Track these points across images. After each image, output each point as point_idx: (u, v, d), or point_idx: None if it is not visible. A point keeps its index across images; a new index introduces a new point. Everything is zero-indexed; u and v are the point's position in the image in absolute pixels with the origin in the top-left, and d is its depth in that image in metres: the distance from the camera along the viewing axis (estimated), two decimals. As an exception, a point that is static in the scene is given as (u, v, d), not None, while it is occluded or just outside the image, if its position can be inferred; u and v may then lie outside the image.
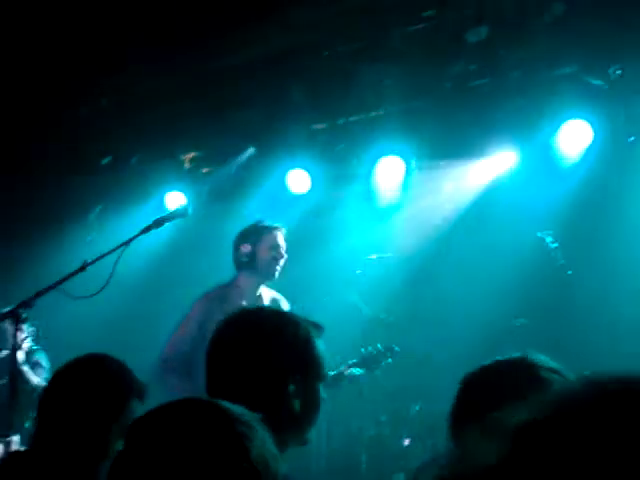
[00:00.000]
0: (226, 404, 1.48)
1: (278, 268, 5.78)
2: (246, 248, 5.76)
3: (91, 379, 2.78)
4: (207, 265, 7.84)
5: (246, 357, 2.28)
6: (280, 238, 5.82)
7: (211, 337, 2.40)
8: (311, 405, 2.33)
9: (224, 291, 5.88)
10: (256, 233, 5.81)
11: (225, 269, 6.56)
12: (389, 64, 6.67)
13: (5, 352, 6.87)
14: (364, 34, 6.73)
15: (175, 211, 4.86)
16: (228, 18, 6.54)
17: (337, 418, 6.90)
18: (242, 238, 5.84)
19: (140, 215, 8.17)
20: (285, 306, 5.90)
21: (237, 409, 1.47)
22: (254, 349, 2.29)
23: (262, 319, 2.41)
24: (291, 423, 2.27)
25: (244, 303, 5.68)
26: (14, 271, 7.90)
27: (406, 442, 6.87)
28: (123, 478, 1.40)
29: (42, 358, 7.17)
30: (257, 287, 5.87)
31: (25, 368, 6.70)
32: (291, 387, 2.28)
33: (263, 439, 1.44)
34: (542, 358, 2.17)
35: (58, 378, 2.82)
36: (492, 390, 2.09)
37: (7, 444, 4.06)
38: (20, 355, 4.60)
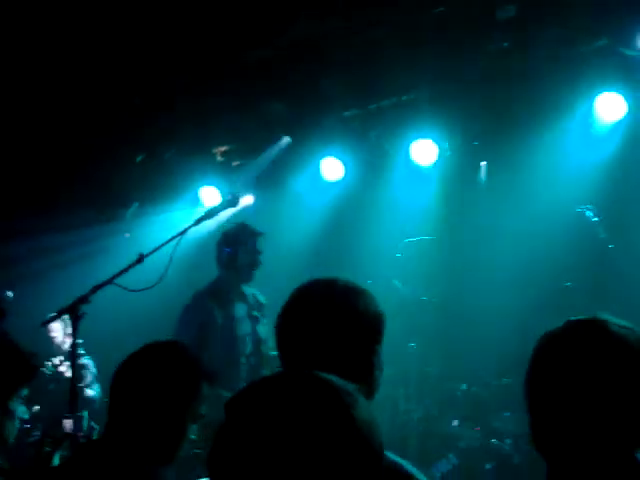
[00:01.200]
0: (326, 375, 1.47)
1: (254, 272, 6.14)
2: (228, 251, 6.04)
3: (165, 364, 2.78)
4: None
5: (336, 329, 2.26)
6: (259, 244, 6.11)
7: (282, 310, 2.37)
8: (381, 376, 2.36)
9: (212, 289, 6.22)
10: (239, 236, 6.08)
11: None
12: (420, 47, 6.64)
13: (57, 359, 6.89)
14: (394, 18, 6.71)
15: (225, 202, 4.90)
16: (256, 10, 6.55)
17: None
18: (225, 240, 6.10)
19: (175, 210, 8.26)
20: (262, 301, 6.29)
21: (339, 380, 1.46)
22: (342, 321, 2.27)
23: (339, 292, 2.36)
24: (373, 393, 2.29)
25: (234, 300, 6.15)
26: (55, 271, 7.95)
27: (455, 423, 6.89)
28: (229, 453, 1.38)
29: (87, 359, 7.13)
30: (239, 285, 6.22)
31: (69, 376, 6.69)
32: (375, 357, 2.31)
33: (366, 408, 1.44)
34: (611, 317, 2.16)
35: (130, 364, 2.80)
36: (568, 352, 2.06)
37: (79, 419, 4.10)
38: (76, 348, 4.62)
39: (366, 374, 2.26)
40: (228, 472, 1.37)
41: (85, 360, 7.00)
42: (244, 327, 6.16)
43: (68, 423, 4.33)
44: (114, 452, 2.63)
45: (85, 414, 6.28)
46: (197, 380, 2.85)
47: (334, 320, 2.27)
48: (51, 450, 4.53)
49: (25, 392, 3.31)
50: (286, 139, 7.66)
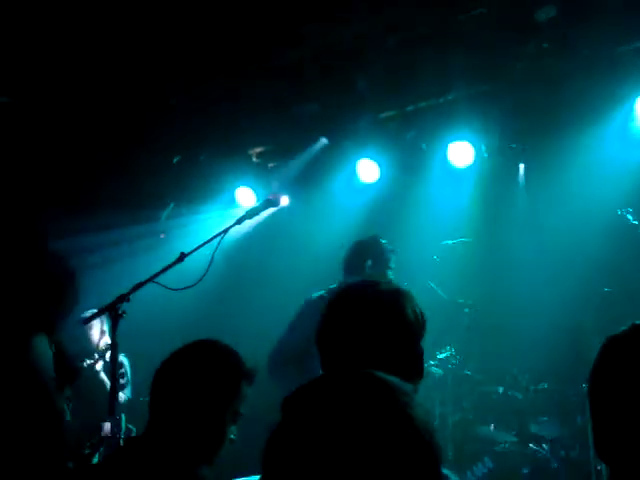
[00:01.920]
0: (384, 375, 1.46)
1: None
2: (371, 262, 5.87)
3: (207, 362, 2.79)
4: (282, 258, 7.92)
5: (384, 330, 2.25)
6: (393, 261, 5.97)
7: (326, 312, 2.37)
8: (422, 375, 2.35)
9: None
10: (381, 250, 5.93)
11: (298, 263, 6.62)
12: (456, 48, 6.60)
13: (89, 361, 6.90)
14: (430, 19, 6.68)
15: (266, 201, 4.89)
16: (290, 12, 6.55)
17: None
18: (367, 251, 5.94)
19: (211, 211, 8.30)
20: None
21: (394, 379, 1.45)
22: (390, 322, 2.27)
23: (384, 293, 2.37)
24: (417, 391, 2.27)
25: None
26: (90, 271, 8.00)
27: (492, 427, 6.84)
28: (285, 453, 1.37)
29: (123, 357, 7.13)
30: None
31: (103, 376, 6.69)
32: (420, 359, 2.30)
33: (424, 409, 1.43)
34: None
35: (172, 363, 2.81)
36: (635, 356, 2.02)
37: (117, 421, 4.12)
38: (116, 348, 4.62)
39: (413, 376, 2.24)
40: (283, 472, 1.35)
41: (122, 358, 7.01)
42: None
43: (107, 426, 4.35)
44: (154, 451, 2.64)
45: (123, 416, 6.33)
46: (237, 379, 2.85)
47: (381, 321, 2.26)
48: (90, 452, 4.56)
49: (68, 392, 3.32)
50: (323, 140, 7.65)
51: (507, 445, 6.57)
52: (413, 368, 2.27)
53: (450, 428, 6.86)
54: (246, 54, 6.93)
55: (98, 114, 7.31)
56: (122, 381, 6.92)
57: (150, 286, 4.27)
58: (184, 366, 2.80)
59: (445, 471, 2.15)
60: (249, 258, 8.39)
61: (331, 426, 1.34)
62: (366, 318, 2.27)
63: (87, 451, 5.17)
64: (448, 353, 6.97)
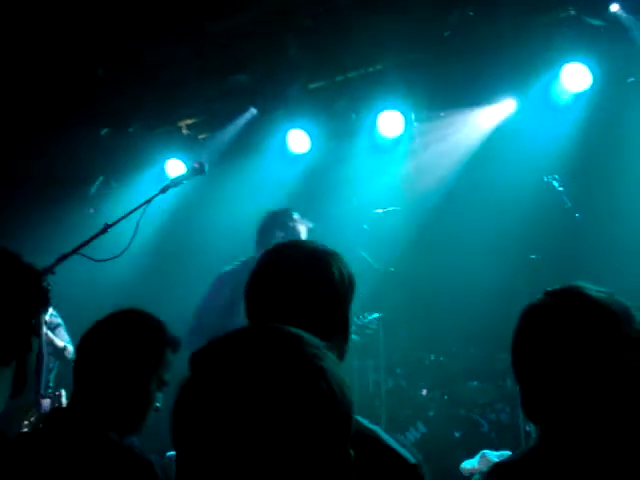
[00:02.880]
0: (293, 329, 1.43)
1: None
2: (281, 234, 5.87)
3: (130, 330, 2.78)
4: (211, 229, 7.89)
5: (307, 288, 2.23)
6: (305, 233, 6.02)
7: (252, 273, 2.34)
8: (349, 340, 2.34)
9: (245, 270, 6.01)
10: (291, 223, 5.96)
11: (227, 233, 6.58)
12: (386, 17, 6.61)
13: None
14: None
15: (192, 170, 4.85)
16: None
17: (353, 373, 6.94)
18: (277, 223, 5.95)
19: (141, 185, 8.19)
20: None
21: (302, 332, 1.42)
22: (313, 280, 2.25)
23: (309, 253, 2.33)
24: (342, 357, 2.25)
25: None
26: (16, 245, 7.83)
27: (424, 392, 6.95)
28: (193, 409, 1.34)
29: (59, 318, 7.04)
30: None
31: (49, 333, 6.63)
32: (345, 319, 2.30)
33: (335, 363, 1.40)
34: (587, 284, 2.19)
35: (95, 331, 2.78)
36: (552, 320, 2.09)
37: (57, 397, 4.08)
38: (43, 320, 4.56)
39: (335, 335, 2.24)
40: (191, 427, 1.33)
41: (55, 317, 6.93)
42: None
43: (45, 402, 4.31)
44: (79, 420, 2.61)
45: (63, 391, 6.26)
46: (161, 346, 2.84)
47: (305, 279, 2.25)
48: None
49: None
50: (252, 111, 7.60)
51: (439, 410, 6.68)
52: (337, 328, 2.24)
53: (383, 394, 6.94)
54: (177, 22, 6.84)
55: (23, 85, 7.13)
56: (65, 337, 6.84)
57: (89, 262, 4.23)
58: (107, 334, 2.77)
59: (383, 435, 2.16)
60: (180, 230, 8.33)
61: (237, 380, 1.31)
62: (290, 273, 2.27)
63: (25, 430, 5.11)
64: (380, 321, 7.03)
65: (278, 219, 5.96)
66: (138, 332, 2.79)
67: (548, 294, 2.16)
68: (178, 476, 1.38)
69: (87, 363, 2.75)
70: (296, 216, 6.02)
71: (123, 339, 2.76)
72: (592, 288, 2.13)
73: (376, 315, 7.01)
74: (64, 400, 4.83)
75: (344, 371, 1.42)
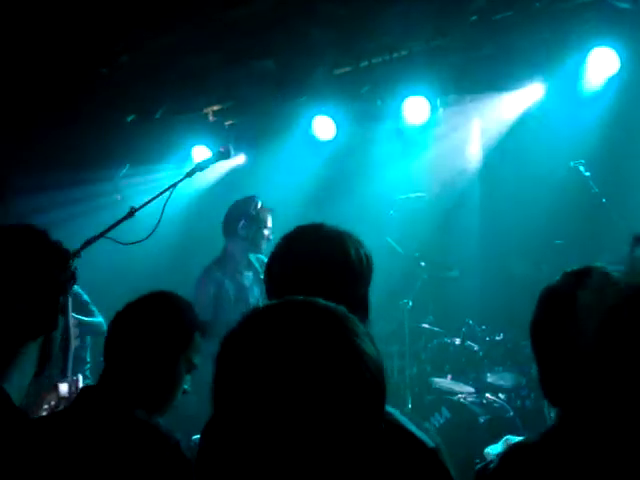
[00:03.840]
0: (328, 303, 1.44)
1: (264, 246, 6.28)
2: (244, 223, 6.17)
3: (160, 312, 2.83)
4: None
5: (327, 270, 2.27)
6: (270, 219, 6.28)
7: (270, 258, 2.39)
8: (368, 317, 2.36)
9: (221, 261, 6.36)
10: (254, 210, 6.22)
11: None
12: (411, 1, 6.58)
13: None
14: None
15: (217, 154, 4.86)
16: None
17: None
18: (240, 212, 6.22)
19: (167, 171, 8.23)
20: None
21: (341, 308, 1.44)
22: (332, 262, 2.28)
23: (327, 235, 2.37)
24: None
25: (242, 270, 6.36)
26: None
27: (448, 378, 6.95)
28: (227, 388, 1.35)
29: (85, 296, 7.04)
30: (246, 253, 6.38)
31: (77, 316, 6.65)
32: (364, 299, 2.33)
33: (370, 337, 1.42)
34: (605, 265, 2.20)
35: (126, 313, 2.83)
36: (570, 300, 2.10)
37: (74, 382, 4.12)
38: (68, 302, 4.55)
39: (354, 314, 2.25)
40: (229, 403, 1.35)
41: (81, 296, 6.94)
42: (255, 293, 6.27)
43: (63, 387, 4.33)
44: (107, 398, 2.65)
45: (80, 376, 6.29)
46: (190, 329, 2.89)
47: (323, 260, 2.28)
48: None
49: None
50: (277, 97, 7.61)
51: (464, 395, 6.68)
52: (356, 307, 2.26)
53: (408, 380, 6.95)
54: (196, 7, 6.83)
55: (50, 73, 7.17)
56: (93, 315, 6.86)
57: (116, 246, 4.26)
58: (137, 316, 2.83)
59: (390, 409, 2.17)
60: (206, 215, 8.35)
61: (274, 356, 1.32)
62: (308, 255, 2.31)
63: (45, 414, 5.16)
64: (405, 307, 7.02)
65: (241, 208, 6.12)
66: (168, 314, 2.85)
67: (567, 274, 2.18)
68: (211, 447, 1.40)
69: (117, 343, 2.80)
70: (260, 204, 6.21)
71: (153, 320, 2.81)
72: (612, 268, 2.14)
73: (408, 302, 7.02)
74: (80, 385, 4.85)
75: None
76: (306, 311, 1.40)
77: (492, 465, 2.13)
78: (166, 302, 2.89)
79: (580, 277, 2.14)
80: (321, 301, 1.44)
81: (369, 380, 1.35)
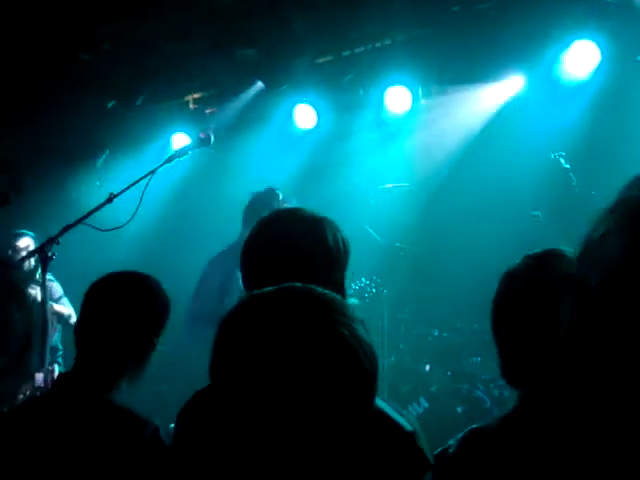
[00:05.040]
0: (321, 289, 1.46)
1: None
2: (264, 213, 5.95)
3: (130, 295, 2.77)
4: (216, 203, 7.89)
5: (304, 253, 2.27)
6: None
7: (247, 241, 2.39)
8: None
9: (235, 251, 6.11)
10: (277, 203, 6.01)
11: (230, 204, 6.61)
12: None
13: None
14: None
15: (198, 140, 4.84)
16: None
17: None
18: (263, 204, 5.98)
19: (147, 158, 8.19)
20: None
21: (332, 294, 1.47)
22: (310, 246, 2.28)
23: (304, 219, 2.38)
24: None
25: None
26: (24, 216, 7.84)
27: (427, 368, 6.97)
28: (220, 371, 1.38)
29: (60, 289, 7.04)
30: None
31: (53, 304, 6.65)
32: (343, 283, 2.32)
33: (364, 324, 1.45)
34: (567, 248, 2.19)
35: (95, 293, 2.78)
36: (531, 281, 2.10)
37: (49, 372, 4.12)
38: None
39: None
40: (227, 382, 1.37)
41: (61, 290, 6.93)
42: None
43: (39, 377, 4.33)
44: (83, 386, 2.64)
45: (56, 367, 6.29)
46: (161, 311, 2.83)
47: (300, 245, 2.28)
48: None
49: None
50: (259, 84, 7.58)
51: (442, 385, 6.70)
52: (334, 292, 2.26)
53: (386, 369, 6.96)
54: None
55: (28, 58, 7.10)
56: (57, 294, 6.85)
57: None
58: (108, 299, 2.76)
59: (391, 412, 2.16)
60: (184, 203, 8.34)
61: (269, 339, 1.34)
62: (285, 240, 2.31)
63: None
64: (384, 297, 7.04)
65: (264, 199, 6.05)
66: (139, 296, 2.78)
67: (526, 257, 2.18)
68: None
69: (88, 329, 2.75)
70: (281, 196, 6.09)
71: (122, 303, 2.75)
72: (572, 251, 2.13)
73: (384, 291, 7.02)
74: (56, 375, 4.86)
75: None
76: (303, 298, 1.42)
77: (451, 450, 2.13)
78: (136, 283, 2.83)
79: (538, 260, 2.15)
80: (317, 289, 1.46)
81: (367, 369, 1.40)
